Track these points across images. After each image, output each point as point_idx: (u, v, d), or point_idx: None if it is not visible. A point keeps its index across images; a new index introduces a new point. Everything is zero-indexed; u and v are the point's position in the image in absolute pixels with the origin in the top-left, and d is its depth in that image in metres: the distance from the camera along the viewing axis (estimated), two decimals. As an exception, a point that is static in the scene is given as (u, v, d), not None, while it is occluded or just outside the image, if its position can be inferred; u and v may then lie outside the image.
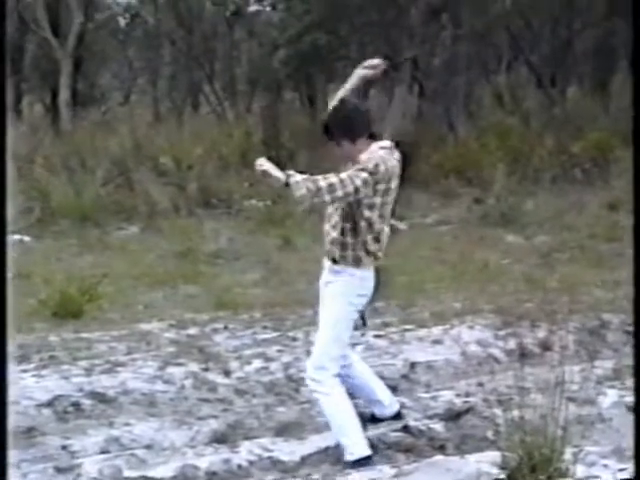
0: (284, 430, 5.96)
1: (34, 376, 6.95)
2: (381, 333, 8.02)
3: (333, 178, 4.92)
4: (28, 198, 14.19)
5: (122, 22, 30.99)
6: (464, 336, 7.67)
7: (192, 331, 8.23)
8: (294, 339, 7.98)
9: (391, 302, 9.16)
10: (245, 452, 5.51)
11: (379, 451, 5.45)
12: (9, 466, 3.11)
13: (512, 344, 7.41)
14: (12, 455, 5.38)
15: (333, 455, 5.41)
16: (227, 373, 6.94)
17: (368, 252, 5.22)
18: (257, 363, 7.26)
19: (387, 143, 5.28)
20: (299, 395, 6.58)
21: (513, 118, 21.11)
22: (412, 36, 18.54)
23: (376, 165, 5.02)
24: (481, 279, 10.13)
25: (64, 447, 5.55)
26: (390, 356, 7.39)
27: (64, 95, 21.24)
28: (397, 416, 5.85)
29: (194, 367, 7.06)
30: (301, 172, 4.93)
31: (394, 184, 5.17)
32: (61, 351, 7.69)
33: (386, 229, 5.31)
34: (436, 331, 7.93)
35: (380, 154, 5.12)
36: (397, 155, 5.28)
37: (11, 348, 7.70)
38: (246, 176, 15.97)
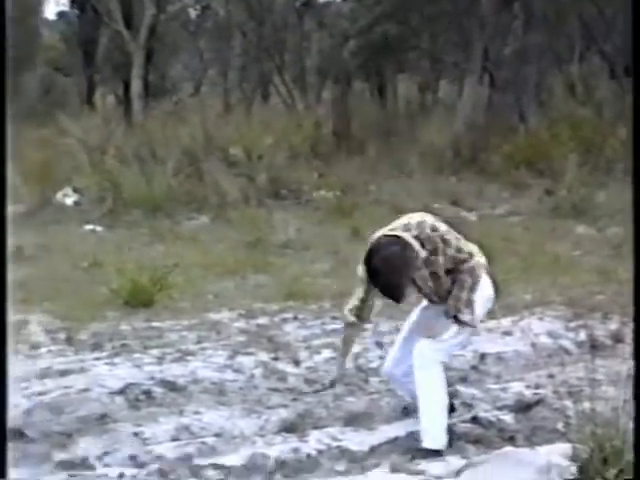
0: (353, 420, 5.96)
1: (107, 364, 7.04)
2: (451, 324, 7.98)
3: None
4: (100, 189, 14.37)
5: (193, 14, 31.20)
6: (534, 328, 7.62)
7: (262, 321, 8.27)
8: (363, 329, 7.97)
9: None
10: (314, 441, 5.53)
11: (448, 442, 5.44)
12: (9, 466, 3.15)
13: (583, 336, 7.36)
14: (86, 442, 5.49)
15: (402, 445, 5.41)
16: (296, 363, 6.97)
17: None
18: (326, 353, 7.27)
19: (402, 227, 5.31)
20: (368, 386, 6.58)
21: (585, 108, 20.88)
22: (483, 25, 18.41)
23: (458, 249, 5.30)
24: (552, 271, 10.04)
25: (136, 434, 5.61)
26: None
27: (136, 87, 21.45)
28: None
29: (264, 356, 7.10)
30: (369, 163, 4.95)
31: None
32: (133, 340, 7.78)
33: None
34: (506, 322, 7.89)
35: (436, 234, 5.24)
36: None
37: (84, 336, 7.84)
38: (316, 166, 16.02)
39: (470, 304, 5.19)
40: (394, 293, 5.15)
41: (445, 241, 5.22)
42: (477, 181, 15.87)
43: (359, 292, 5.55)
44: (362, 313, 5.54)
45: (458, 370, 6.84)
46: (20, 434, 5.62)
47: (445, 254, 5.21)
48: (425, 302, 5.60)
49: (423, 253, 5.14)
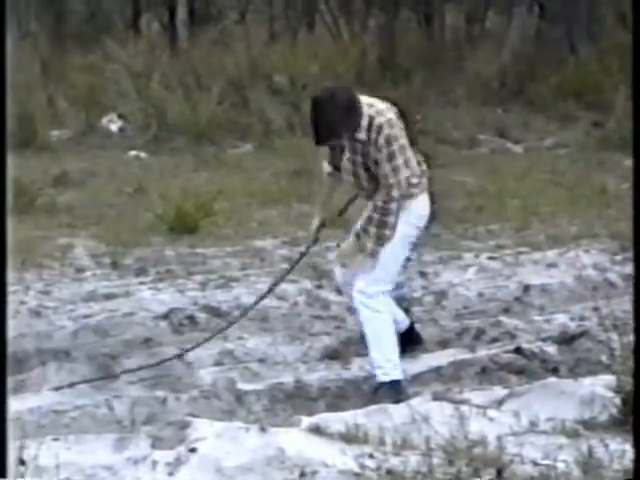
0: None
1: (151, 289, 7.11)
2: (495, 255, 7.97)
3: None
4: (145, 115, 14.36)
5: (239, -60, 30.85)
6: (580, 260, 7.58)
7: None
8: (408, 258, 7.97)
9: (505, 225, 9.09)
10: (356, 369, 5.56)
11: (491, 372, 5.44)
12: (8, 467, 3.18)
13: (629, 269, 7.30)
14: (130, 363, 5.55)
15: (444, 374, 5.43)
16: (339, 291, 6.95)
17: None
18: (369, 281, 7.28)
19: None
20: (411, 314, 6.57)
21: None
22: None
23: (396, 137, 5.13)
24: (598, 203, 9.95)
25: (180, 357, 5.66)
26: (503, 278, 7.34)
27: (181, 13, 21.33)
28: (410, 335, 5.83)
29: (307, 284, 7.12)
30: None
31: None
32: (177, 265, 7.84)
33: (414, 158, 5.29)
34: (551, 254, 7.84)
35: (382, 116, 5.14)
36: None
37: (129, 261, 7.89)
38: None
39: (380, 238, 5.15)
40: (320, 130, 5.09)
41: (388, 141, 5.08)
42: (524, 113, 15.68)
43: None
44: (336, 161, 5.46)
45: (501, 301, 6.84)
46: (66, 355, 5.70)
47: (379, 149, 5.09)
48: None
49: (364, 131, 5.08)
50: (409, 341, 5.75)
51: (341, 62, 17.39)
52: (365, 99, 5.22)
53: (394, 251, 5.27)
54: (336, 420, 4.51)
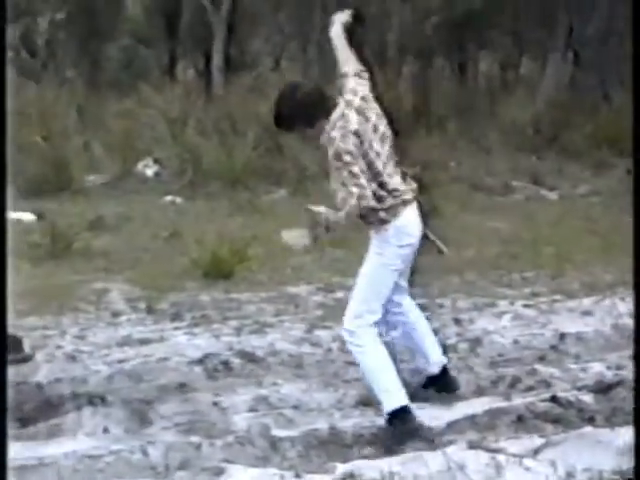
0: (431, 396, 5.94)
1: (186, 334, 7.13)
2: (530, 303, 7.95)
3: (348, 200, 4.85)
4: (181, 160, 14.47)
5: (274, -12, 31.14)
6: (615, 308, 7.53)
7: (339, 295, 8.27)
8: (441, 306, 7.97)
9: (540, 272, 9.06)
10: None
11: (526, 421, 5.40)
12: (9, 467, 3.18)
13: (666, 317, 7.24)
14: (165, 409, 5.55)
15: (480, 422, 5.39)
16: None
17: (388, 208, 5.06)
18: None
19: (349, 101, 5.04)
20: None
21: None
22: (568, 2, 18.15)
23: (347, 152, 4.85)
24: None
25: (215, 403, 5.66)
26: (539, 326, 7.31)
27: (217, 60, 21.56)
28: (442, 376, 5.72)
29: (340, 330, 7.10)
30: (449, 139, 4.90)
31: (372, 133, 4.98)
32: (212, 310, 7.86)
33: (395, 174, 5.11)
34: (586, 302, 7.81)
35: (340, 126, 4.92)
36: (362, 85, 5.14)
37: (164, 306, 7.92)
38: (394, 143, 15.94)
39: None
40: (275, 116, 5.05)
41: (338, 158, 4.85)
42: (558, 160, 15.68)
43: None
44: None
45: (537, 349, 6.79)
46: (101, 399, 5.71)
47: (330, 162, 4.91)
48: None
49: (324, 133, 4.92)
50: (444, 387, 5.70)
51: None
52: (344, 101, 5.05)
53: (370, 280, 5.17)
54: (371, 467, 4.49)
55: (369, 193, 4.90)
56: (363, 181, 4.87)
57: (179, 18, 24.31)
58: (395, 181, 5.11)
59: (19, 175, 13.20)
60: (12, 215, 11.68)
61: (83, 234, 10.34)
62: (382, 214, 5.06)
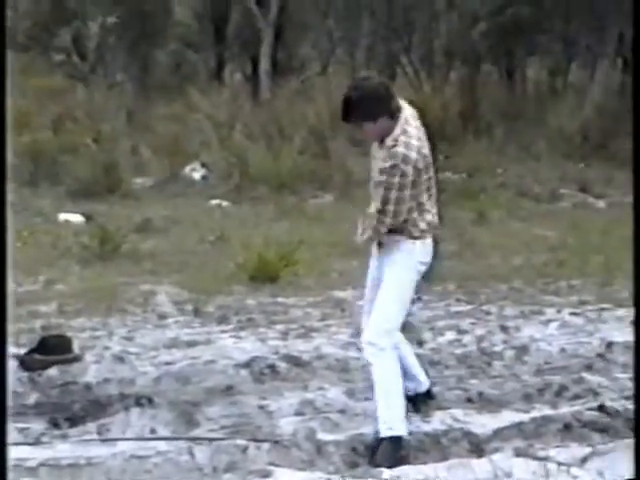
0: (475, 403, 5.94)
1: (232, 337, 7.17)
2: (577, 311, 7.91)
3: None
4: (227, 164, 14.55)
5: (322, -8, 31.19)
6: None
7: (386, 300, 8.28)
8: (488, 313, 7.96)
9: (587, 280, 9.02)
10: (437, 422, 5.52)
11: (573, 429, 5.38)
12: (9, 467, 3.21)
13: None
14: (212, 411, 5.59)
15: (526, 430, 5.37)
16: (420, 343, 6.96)
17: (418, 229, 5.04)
18: (450, 335, 7.28)
19: (407, 118, 4.96)
20: (491, 369, 6.55)
21: None
22: (619, 7, 18.03)
23: (403, 174, 4.80)
24: (683, 260, 9.81)
25: (261, 407, 5.68)
26: (586, 334, 7.27)
27: (264, 64, 21.60)
28: (427, 394, 5.65)
29: (387, 336, 7.10)
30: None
31: (423, 162, 4.90)
32: (258, 314, 7.89)
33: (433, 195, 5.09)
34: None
35: (404, 142, 4.84)
36: (418, 123, 5.02)
37: (210, 309, 7.97)
38: (442, 148, 15.92)
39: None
40: (349, 108, 4.90)
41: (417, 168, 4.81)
42: (607, 168, 15.58)
43: None
44: None
45: (584, 357, 6.76)
46: (148, 401, 5.75)
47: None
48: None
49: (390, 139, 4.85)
50: (423, 401, 5.64)
51: (422, 115, 17.43)
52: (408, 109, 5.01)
53: (398, 295, 5.08)
54: (417, 473, 4.50)
55: (402, 220, 4.92)
56: (405, 208, 4.88)
57: (227, 23, 24.41)
58: (433, 211, 5.10)
59: (68, 177, 13.34)
60: (61, 216, 11.81)
61: (131, 236, 10.43)
62: (415, 232, 5.02)
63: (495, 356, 6.75)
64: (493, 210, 12.57)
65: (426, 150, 4.96)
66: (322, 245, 10.45)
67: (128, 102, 17.13)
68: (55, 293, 8.54)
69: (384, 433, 5.01)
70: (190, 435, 5.32)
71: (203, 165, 14.83)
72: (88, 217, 11.73)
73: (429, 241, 5.11)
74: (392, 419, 5.03)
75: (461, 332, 7.33)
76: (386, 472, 4.57)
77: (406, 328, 7.20)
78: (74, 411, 5.67)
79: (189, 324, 7.64)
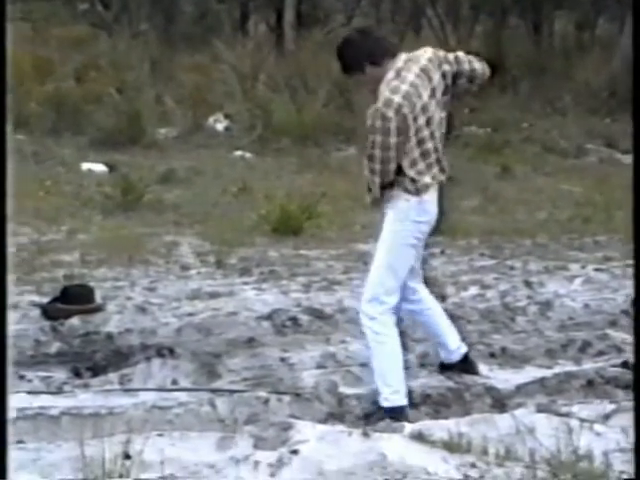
0: (498, 358, 5.91)
1: (254, 289, 7.16)
2: (602, 267, 7.86)
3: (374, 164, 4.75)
4: (251, 116, 14.47)
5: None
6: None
7: (409, 254, 8.24)
8: (512, 268, 7.91)
9: (613, 236, 8.95)
10: (458, 376, 5.50)
11: (597, 386, 5.34)
12: (9, 468, 3.20)
13: None
14: (234, 363, 5.58)
15: (549, 386, 5.34)
16: (443, 298, 6.91)
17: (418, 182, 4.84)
18: (473, 290, 7.24)
19: (407, 63, 4.78)
20: (515, 324, 6.51)
21: None
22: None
23: (387, 119, 4.62)
24: None
25: (282, 359, 5.67)
26: (610, 290, 7.22)
27: (289, 16, 21.43)
28: (464, 361, 5.49)
29: (409, 289, 7.07)
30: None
31: (421, 102, 4.72)
32: (280, 266, 7.87)
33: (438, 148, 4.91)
34: (661, 266, 7.69)
35: (392, 86, 4.69)
36: (424, 58, 4.83)
37: (233, 260, 7.95)
38: (466, 101, 15.79)
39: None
40: (345, 59, 4.86)
41: (413, 105, 4.64)
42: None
43: None
44: None
45: (608, 314, 6.71)
46: (170, 352, 5.75)
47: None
48: None
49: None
50: (464, 370, 5.51)
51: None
52: (408, 59, 4.81)
53: (387, 259, 4.96)
54: (439, 428, 4.47)
55: (393, 168, 4.76)
56: (392, 154, 4.71)
57: (251, -28, 24.23)
58: (436, 156, 4.91)
59: (92, 126, 13.31)
60: (84, 166, 11.80)
61: (154, 187, 10.41)
62: (410, 186, 4.85)
63: (518, 311, 6.71)
64: (518, 165, 12.48)
65: (425, 96, 4.74)
66: (345, 198, 10.38)
67: (152, 52, 17.03)
68: (78, 243, 8.54)
69: (383, 404, 4.93)
70: (211, 386, 5.33)
71: (226, 116, 14.77)
72: (111, 167, 11.71)
73: (429, 197, 4.89)
74: (391, 392, 4.92)
75: (484, 287, 7.29)
76: (407, 426, 4.54)
77: (428, 282, 7.22)
78: (96, 361, 5.68)
79: (211, 275, 7.63)
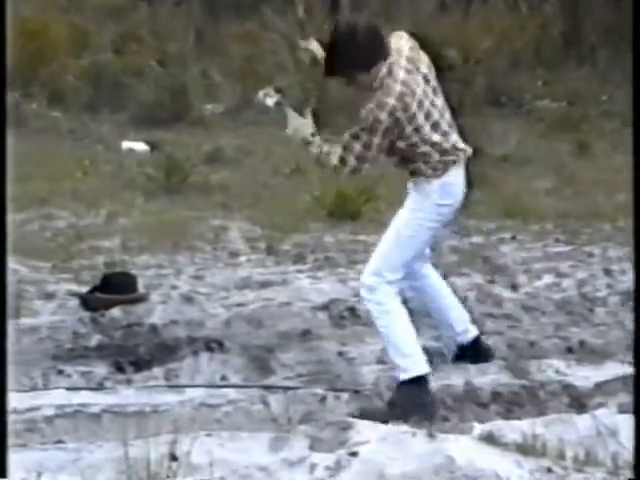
0: (576, 353, 5.88)
1: (309, 277, 7.16)
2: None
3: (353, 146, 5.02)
4: (303, 90, 14.46)
5: None
6: None
7: (476, 239, 8.24)
8: (590, 255, 7.86)
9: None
10: (534, 373, 5.48)
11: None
12: (9, 467, 3.20)
13: None
14: (288, 357, 5.59)
15: (631, 384, 5.30)
16: (514, 287, 6.91)
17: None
18: (548, 278, 7.19)
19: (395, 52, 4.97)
20: (594, 316, 6.48)
21: None
22: None
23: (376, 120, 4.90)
24: None
25: (340, 353, 5.68)
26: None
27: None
28: (474, 344, 5.57)
29: (478, 278, 7.07)
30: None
31: (416, 98, 4.93)
32: (337, 253, 7.87)
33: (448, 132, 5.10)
34: None
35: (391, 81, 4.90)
36: (405, 48, 5.01)
37: (286, 246, 7.97)
38: (539, 73, 15.69)
39: None
40: (327, 62, 5.07)
41: (406, 104, 4.91)
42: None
43: None
44: None
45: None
46: (218, 345, 5.77)
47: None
48: None
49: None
50: (476, 356, 5.57)
51: (518, 36, 17.19)
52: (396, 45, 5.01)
53: (399, 236, 5.14)
54: (511, 429, 4.45)
55: (364, 168, 5.14)
56: (370, 154, 5.01)
57: None
58: (451, 138, 5.11)
59: (132, 102, 13.37)
60: (124, 144, 11.86)
61: (200, 167, 10.45)
62: (430, 171, 5.09)
63: (598, 302, 6.68)
64: (596, 142, 12.37)
65: (419, 90, 4.96)
66: (404, 179, 10.33)
67: (196, 21, 17.06)
68: (118, 227, 8.59)
69: (403, 377, 5.01)
70: (264, 383, 5.35)
71: (278, 90, 14.74)
72: (153, 146, 11.76)
73: (452, 179, 5.10)
74: (407, 362, 5.02)
75: (560, 275, 7.24)
76: (477, 427, 4.53)
77: (498, 270, 7.19)
78: (139, 355, 5.72)
79: (262, 263, 7.65)
